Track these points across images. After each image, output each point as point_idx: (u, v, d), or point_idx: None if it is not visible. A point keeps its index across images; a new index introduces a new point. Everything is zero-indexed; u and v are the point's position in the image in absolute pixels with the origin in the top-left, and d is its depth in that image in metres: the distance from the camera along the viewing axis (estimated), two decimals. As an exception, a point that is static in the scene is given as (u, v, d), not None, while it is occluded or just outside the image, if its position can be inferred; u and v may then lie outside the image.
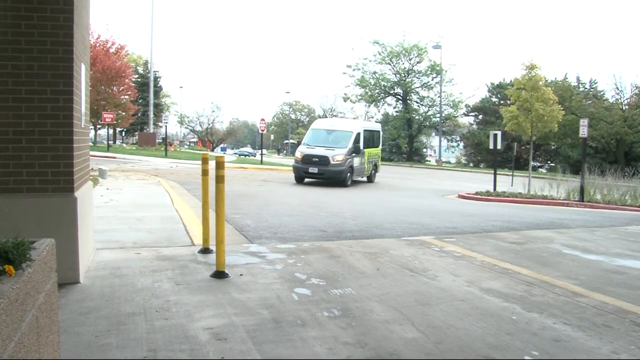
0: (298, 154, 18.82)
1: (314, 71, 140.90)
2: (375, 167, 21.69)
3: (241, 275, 5.16)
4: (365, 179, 21.11)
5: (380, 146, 23.11)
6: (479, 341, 3.64)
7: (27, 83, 4.42)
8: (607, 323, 4.08)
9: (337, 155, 17.96)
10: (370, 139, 20.90)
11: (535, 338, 3.72)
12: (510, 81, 30.12)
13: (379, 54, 51.47)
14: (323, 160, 17.82)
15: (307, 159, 18.07)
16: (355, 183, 19.74)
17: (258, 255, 6.10)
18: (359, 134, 19.24)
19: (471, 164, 50.20)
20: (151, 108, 47.09)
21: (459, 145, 58.11)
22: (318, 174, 17.90)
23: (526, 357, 3.38)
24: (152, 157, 32.07)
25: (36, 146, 4.48)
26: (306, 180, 18.83)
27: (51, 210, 4.53)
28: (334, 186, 17.58)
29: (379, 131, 23.02)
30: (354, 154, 18.52)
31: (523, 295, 4.78)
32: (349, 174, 18.22)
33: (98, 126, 44.34)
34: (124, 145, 49.84)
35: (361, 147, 19.11)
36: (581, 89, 44.86)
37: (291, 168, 19.97)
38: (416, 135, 53.16)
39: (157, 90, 57.51)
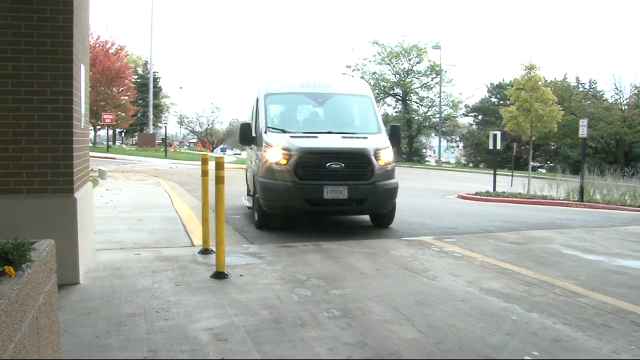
0: (276, 154, 7.48)
1: (314, 71, 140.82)
2: None
3: (241, 275, 5.16)
4: None
5: None
6: (479, 341, 3.64)
7: (27, 84, 4.43)
8: (607, 323, 4.08)
9: (384, 149, 7.97)
10: None
11: (535, 338, 3.72)
12: (510, 81, 30.15)
13: (379, 54, 51.46)
14: (356, 166, 7.61)
15: (311, 164, 7.39)
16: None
17: (258, 256, 6.10)
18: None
19: (471, 164, 50.19)
20: (151, 109, 47.11)
21: (456, 141, 58.03)
22: (350, 200, 7.48)
23: (526, 357, 3.38)
24: (152, 157, 32.11)
25: (36, 147, 4.48)
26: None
27: (51, 211, 4.53)
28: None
29: None
30: None
31: (523, 296, 4.78)
32: None
33: (98, 127, 44.37)
34: (124, 146, 49.87)
35: None
36: (580, 89, 44.86)
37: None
38: (416, 136, 53.16)
39: (157, 91, 57.54)
